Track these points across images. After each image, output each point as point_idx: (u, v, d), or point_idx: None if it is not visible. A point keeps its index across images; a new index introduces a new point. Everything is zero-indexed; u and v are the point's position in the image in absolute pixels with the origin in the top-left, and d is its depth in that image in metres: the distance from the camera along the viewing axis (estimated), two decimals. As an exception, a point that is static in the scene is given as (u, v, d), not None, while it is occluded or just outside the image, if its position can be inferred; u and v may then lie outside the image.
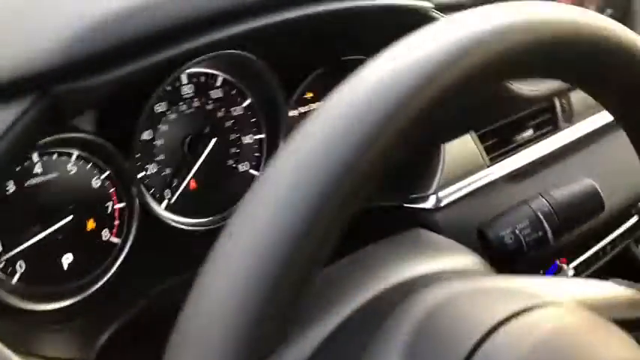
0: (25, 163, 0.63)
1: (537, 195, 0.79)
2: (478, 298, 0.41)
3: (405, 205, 0.85)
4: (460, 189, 0.86)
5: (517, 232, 0.75)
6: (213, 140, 0.75)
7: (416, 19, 0.72)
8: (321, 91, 0.85)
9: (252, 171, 0.80)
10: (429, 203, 0.84)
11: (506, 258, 0.74)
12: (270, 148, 0.80)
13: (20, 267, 0.65)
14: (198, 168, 0.75)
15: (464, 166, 0.88)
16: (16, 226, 0.64)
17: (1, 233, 0.63)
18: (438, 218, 0.83)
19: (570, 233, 0.76)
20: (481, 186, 0.88)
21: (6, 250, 0.63)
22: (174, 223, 0.72)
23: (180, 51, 0.56)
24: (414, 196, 0.86)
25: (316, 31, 0.72)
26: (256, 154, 0.80)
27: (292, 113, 0.83)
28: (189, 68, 0.69)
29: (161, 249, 0.72)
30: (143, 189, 0.70)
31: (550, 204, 0.77)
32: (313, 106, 0.86)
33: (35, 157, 0.64)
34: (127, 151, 0.67)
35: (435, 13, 0.72)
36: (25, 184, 0.63)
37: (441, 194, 0.85)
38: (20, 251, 0.64)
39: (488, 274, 0.58)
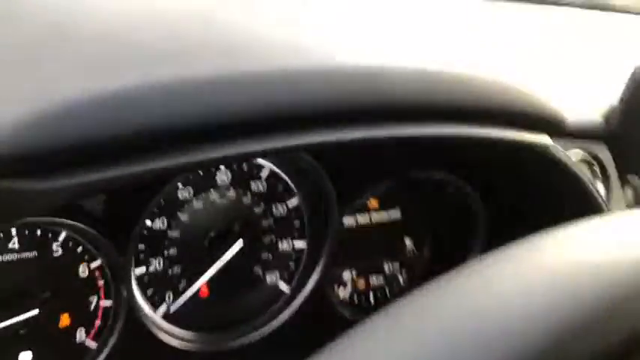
0: (0, 235, 0.51)
1: None
2: None
3: None
4: None
5: None
6: (241, 241, 0.62)
7: (531, 156, 0.55)
8: (386, 200, 0.70)
9: (281, 284, 0.65)
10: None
11: None
12: (309, 261, 0.65)
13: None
14: (217, 271, 0.61)
15: None
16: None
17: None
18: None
19: None
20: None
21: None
22: (167, 337, 0.58)
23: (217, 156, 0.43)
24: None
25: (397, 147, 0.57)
26: (290, 265, 0.66)
27: (348, 221, 0.68)
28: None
29: None
30: (136, 289, 0.57)
31: None
32: (375, 216, 0.70)
33: (13, 230, 0.52)
34: (123, 244, 0.54)
35: (555, 150, 0.56)
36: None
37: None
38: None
39: None
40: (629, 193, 0.72)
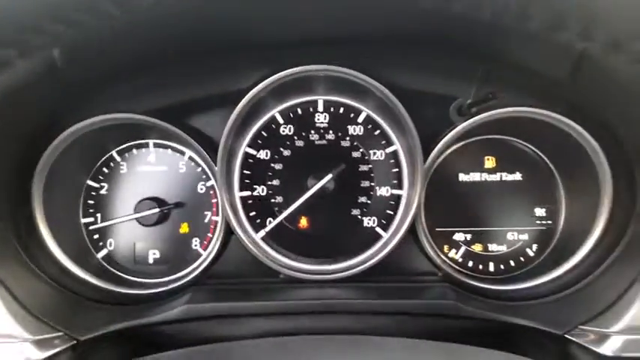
0: (143, 150, 0.66)
1: None
2: None
3: (568, 336, 0.61)
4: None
5: None
6: (342, 183, 0.66)
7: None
8: (504, 161, 0.68)
9: (378, 229, 0.67)
10: (608, 348, 0.56)
11: None
12: (406, 209, 0.65)
13: (110, 245, 0.69)
14: (317, 207, 0.67)
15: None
16: (117, 205, 0.69)
17: (110, 205, 0.69)
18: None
19: None
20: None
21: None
22: (263, 257, 0.66)
23: None
24: (586, 327, 0.60)
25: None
26: (388, 212, 0.67)
27: (462, 177, 0.65)
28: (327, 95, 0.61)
29: (236, 276, 0.68)
30: (241, 210, 0.65)
31: None
32: (492, 176, 0.66)
33: (151, 146, 0.66)
34: (230, 169, 0.65)
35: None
36: (137, 169, 0.68)
37: (626, 340, 0.58)
38: (109, 227, 0.68)
39: None
40: None
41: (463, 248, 0.71)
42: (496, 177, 0.71)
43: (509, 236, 0.71)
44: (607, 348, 0.59)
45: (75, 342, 0.61)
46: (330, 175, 0.67)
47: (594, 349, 0.60)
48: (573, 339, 0.62)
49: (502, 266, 0.71)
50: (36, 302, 0.64)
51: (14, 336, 0.62)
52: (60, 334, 0.61)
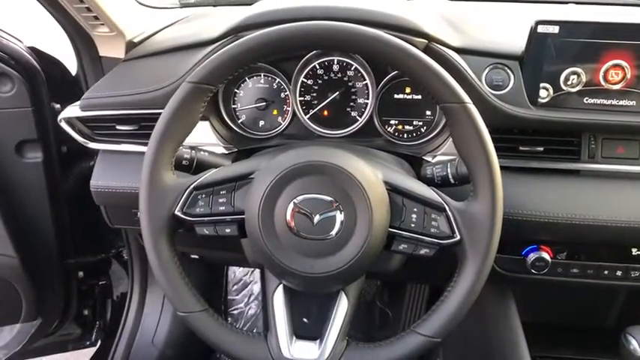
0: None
1: None
2: None
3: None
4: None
5: None
6: (339, 95, 1.35)
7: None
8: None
9: (357, 117, 1.36)
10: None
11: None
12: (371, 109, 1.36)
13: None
14: (329, 105, 1.37)
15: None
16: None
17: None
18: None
19: None
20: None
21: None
22: (308, 126, 1.38)
23: None
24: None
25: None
26: (363, 110, 1.35)
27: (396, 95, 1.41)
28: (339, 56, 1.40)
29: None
30: (299, 105, 1.40)
31: None
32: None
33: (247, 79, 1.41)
34: (295, 86, 1.35)
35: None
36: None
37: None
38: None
39: None
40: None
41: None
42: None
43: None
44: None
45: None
46: (338, 93, 1.37)
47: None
48: None
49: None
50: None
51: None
52: None
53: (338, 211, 0.85)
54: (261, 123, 1.32)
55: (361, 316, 1.93)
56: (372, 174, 0.88)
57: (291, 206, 0.85)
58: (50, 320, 1.55)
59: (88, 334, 1.71)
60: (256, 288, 2.11)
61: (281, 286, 0.92)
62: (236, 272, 2.15)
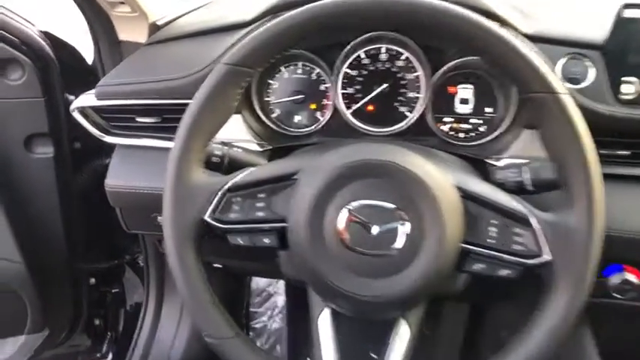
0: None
1: None
2: None
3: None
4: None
5: None
6: (387, 88, 1.21)
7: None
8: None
9: (407, 113, 1.22)
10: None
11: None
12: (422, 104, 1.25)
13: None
14: (375, 99, 1.22)
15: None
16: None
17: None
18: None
19: None
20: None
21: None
22: (351, 123, 1.23)
23: None
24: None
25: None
26: (413, 105, 1.21)
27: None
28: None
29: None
30: (341, 95, 1.23)
31: None
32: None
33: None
34: (333, 68, 1.19)
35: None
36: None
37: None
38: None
39: None
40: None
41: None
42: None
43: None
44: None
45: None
46: (385, 85, 1.24)
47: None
48: None
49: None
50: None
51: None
52: None
53: (402, 222, 0.73)
54: (297, 118, 1.19)
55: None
56: (441, 177, 0.76)
57: (344, 214, 0.73)
58: (58, 331, 1.42)
59: (98, 346, 1.59)
60: (280, 300, 1.95)
61: (327, 310, 0.80)
62: (259, 282, 1.99)
